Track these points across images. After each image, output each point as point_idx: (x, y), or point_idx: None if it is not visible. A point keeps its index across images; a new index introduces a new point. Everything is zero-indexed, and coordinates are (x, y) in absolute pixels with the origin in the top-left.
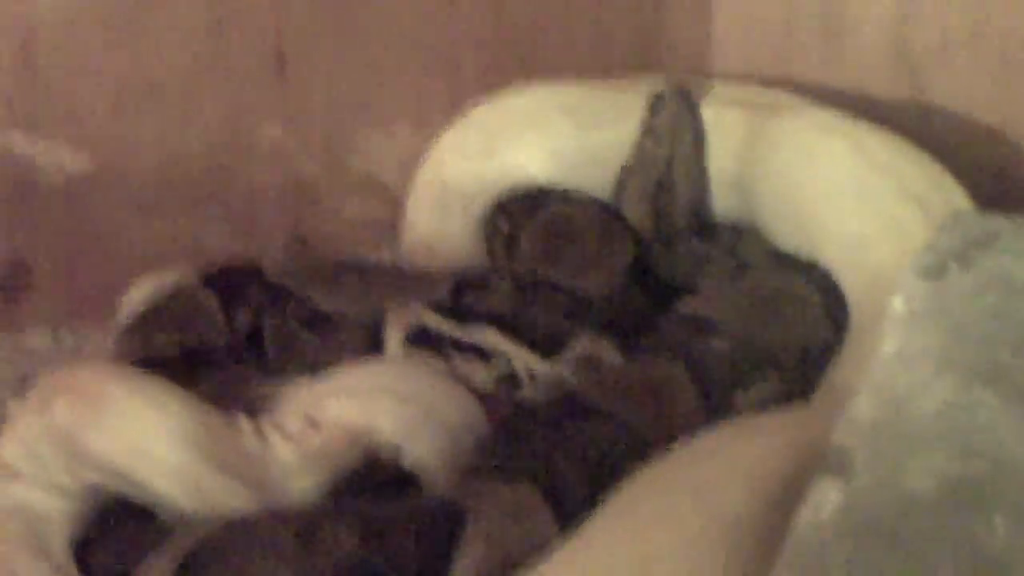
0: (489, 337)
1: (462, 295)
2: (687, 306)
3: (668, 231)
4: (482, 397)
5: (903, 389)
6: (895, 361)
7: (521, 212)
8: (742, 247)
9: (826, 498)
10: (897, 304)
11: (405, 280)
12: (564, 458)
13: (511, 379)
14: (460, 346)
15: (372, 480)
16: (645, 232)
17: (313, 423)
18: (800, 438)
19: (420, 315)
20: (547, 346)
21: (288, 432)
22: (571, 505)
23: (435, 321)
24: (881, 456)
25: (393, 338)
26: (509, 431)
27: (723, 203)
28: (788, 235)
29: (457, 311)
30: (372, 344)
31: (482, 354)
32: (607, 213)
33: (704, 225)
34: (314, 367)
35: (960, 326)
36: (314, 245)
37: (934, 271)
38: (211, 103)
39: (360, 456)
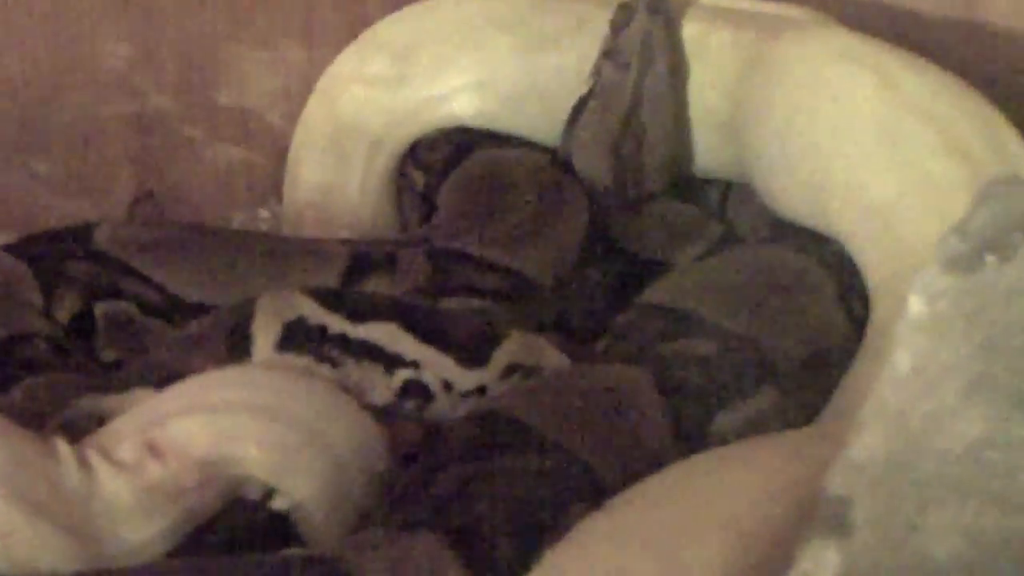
0: (391, 336)
1: (360, 276)
2: (657, 293)
3: (635, 189)
4: (382, 417)
5: (921, 420)
6: (911, 382)
7: (441, 162)
8: (733, 212)
9: (819, 563)
10: (915, 306)
11: (285, 255)
12: (484, 500)
13: (420, 393)
14: (353, 348)
15: (234, 528)
16: (604, 191)
17: (155, 450)
18: (801, 475)
19: (299, 306)
20: (470, 347)
21: (122, 462)
22: (491, 564)
23: (320, 314)
24: (891, 509)
25: (264, 337)
26: (413, 463)
27: (709, 153)
28: (793, 198)
29: (351, 300)
30: (238, 344)
31: (383, 359)
32: (554, 165)
33: (683, 182)
34: (160, 372)
35: (997, 337)
36: (167, 204)
37: (964, 262)
38: (34, 15)
39: (218, 495)
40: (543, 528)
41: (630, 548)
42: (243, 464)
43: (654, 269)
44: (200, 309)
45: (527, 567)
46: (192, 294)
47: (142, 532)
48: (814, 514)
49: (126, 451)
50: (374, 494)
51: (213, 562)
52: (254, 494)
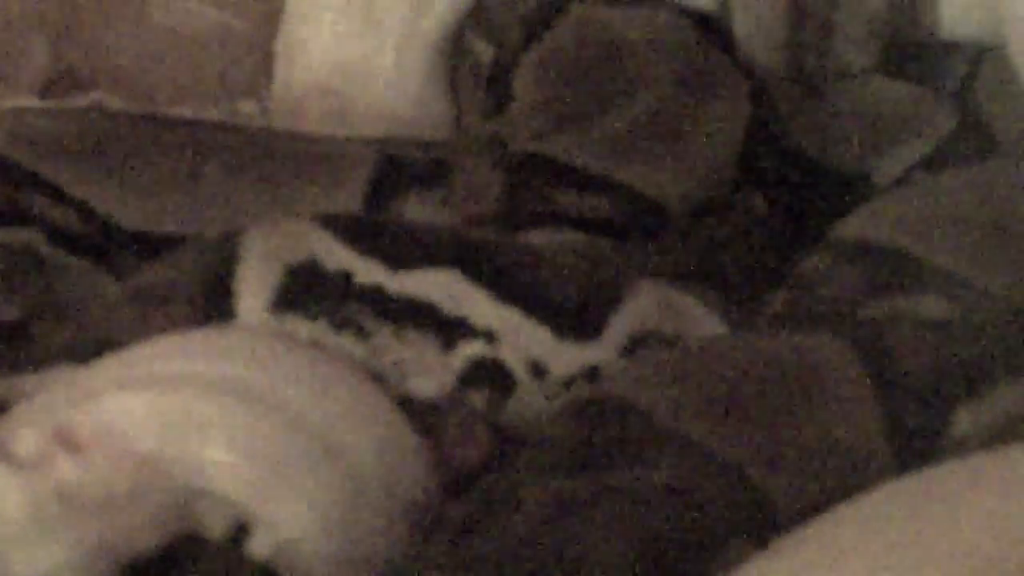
0: (452, 290)
1: (392, 195)
2: (860, 224)
3: (825, 63)
4: (430, 417)
5: None
6: None
7: (519, 26)
8: (979, 96)
9: None
10: None
11: (283, 162)
12: (589, 536)
13: (496, 378)
14: (393, 309)
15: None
16: (775, 69)
17: (69, 438)
18: None
19: (309, 241)
20: (574, 309)
21: (17, 457)
22: None
23: (341, 255)
24: None
25: (254, 289)
26: (484, 494)
27: (945, 8)
28: None
29: (390, 234)
30: (216, 300)
31: (438, 326)
32: (698, 32)
33: (902, 50)
34: (89, 339)
35: None
36: (97, 87)
37: None
38: None
39: (160, 519)
40: None
41: None
42: (204, 473)
43: (853, 187)
44: (147, 241)
45: None
46: (134, 218)
47: (40, 560)
48: None
49: (27, 442)
50: (409, 536)
51: None
52: (219, 526)
